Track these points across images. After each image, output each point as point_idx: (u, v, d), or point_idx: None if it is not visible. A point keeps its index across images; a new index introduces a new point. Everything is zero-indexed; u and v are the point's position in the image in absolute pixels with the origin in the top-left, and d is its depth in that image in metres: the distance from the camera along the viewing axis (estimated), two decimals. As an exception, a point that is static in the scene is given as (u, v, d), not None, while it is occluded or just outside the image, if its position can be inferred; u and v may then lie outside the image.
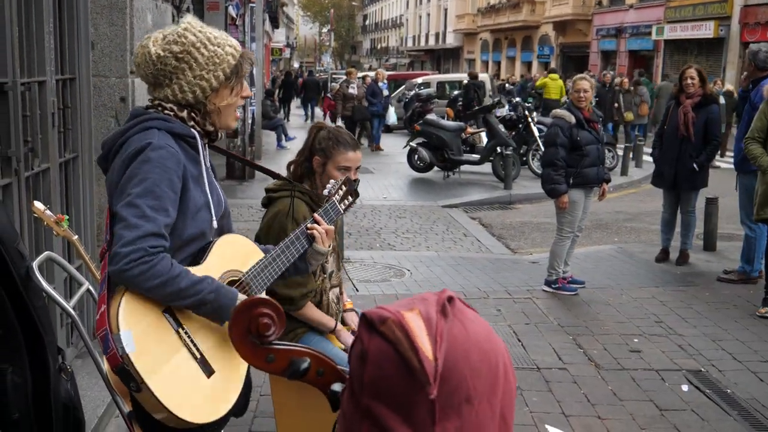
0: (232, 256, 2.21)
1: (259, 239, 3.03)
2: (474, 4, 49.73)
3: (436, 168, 13.43)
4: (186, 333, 2.01)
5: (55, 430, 2.85)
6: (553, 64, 38.12)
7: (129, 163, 2.05)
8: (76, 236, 2.95)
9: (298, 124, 25.35)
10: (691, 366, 4.87)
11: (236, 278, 2.22)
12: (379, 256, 7.67)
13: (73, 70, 4.11)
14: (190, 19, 2.24)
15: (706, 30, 26.50)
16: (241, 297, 2.11)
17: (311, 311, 3.18)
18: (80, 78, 4.15)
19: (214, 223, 2.21)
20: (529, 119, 13.62)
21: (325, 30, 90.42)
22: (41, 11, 3.56)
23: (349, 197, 2.71)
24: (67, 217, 2.82)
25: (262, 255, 2.32)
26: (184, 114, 2.17)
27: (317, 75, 39.77)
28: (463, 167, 13.53)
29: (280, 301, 3.03)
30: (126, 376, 1.90)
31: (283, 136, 17.56)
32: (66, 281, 4.12)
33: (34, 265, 2.77)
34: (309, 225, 2.48)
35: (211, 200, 2.20)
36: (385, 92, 18.25)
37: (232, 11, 11.00)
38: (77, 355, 4.28)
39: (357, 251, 7.98)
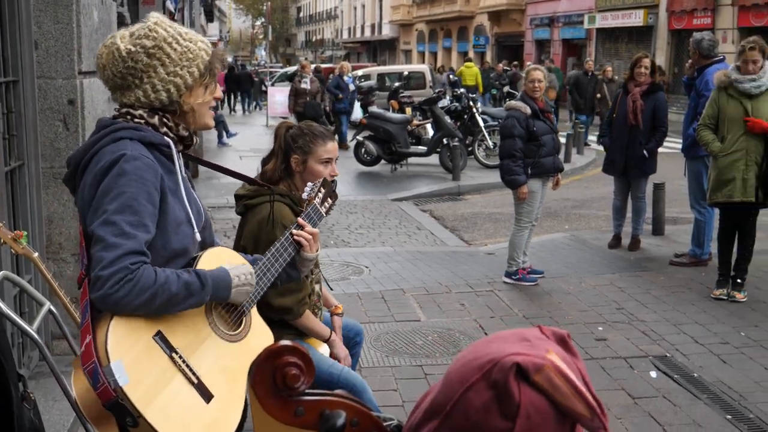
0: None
1: (245, 250, 2.89)
2: (409, -5, 49.81)
3: (383, 161, 13.35)
4: (180, 357, 1.87)
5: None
6: (488, 54, 38.46)
7: (102, 177, 1.90)
8: (36, 254, 2.77)
9: (235, 119, 24.94)
10: (657, 352, 4.91)
11: None
12: (335, 254, 7.55)
13: (15, 72, 3.88)
14: (158, 15, 2.10)
15: (636, 18, 27.10)
16: (232, 273, 2.01)
17: (309, 320, 3.08)
18: (24, 80, 3.92)
19: (197, 237, 2.07)
20: (474, 109, 13.65)
21: (258, 23, 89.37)
22: (-17, 10, 3.34)
23: (329, 199, 2.60)
24: (26, 233, 2.63)
25: (249, 267, 2.19)
26: (156, 120, 2.03)
27: (254, 69, 39.30)
28: (411, 159, 13.49)
29: (277, 311, 2.93)
30: (120, 411, 1.75)
31: (224, 133, 17.22)
32: (16, 298, 3.90)
33: (-7, 283, 2.59)
34: (294, 231, 2.37)
35: (191, 212, 2.06)
36: (351, 87, 17.11)
37: (170, 5, 10.69)
38: (29, 376, 4.05)
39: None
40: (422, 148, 13.21)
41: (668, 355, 4.86)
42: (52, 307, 2.91)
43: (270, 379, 1.26)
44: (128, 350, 1.79)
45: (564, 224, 9.37)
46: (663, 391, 4.34)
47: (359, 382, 2.98)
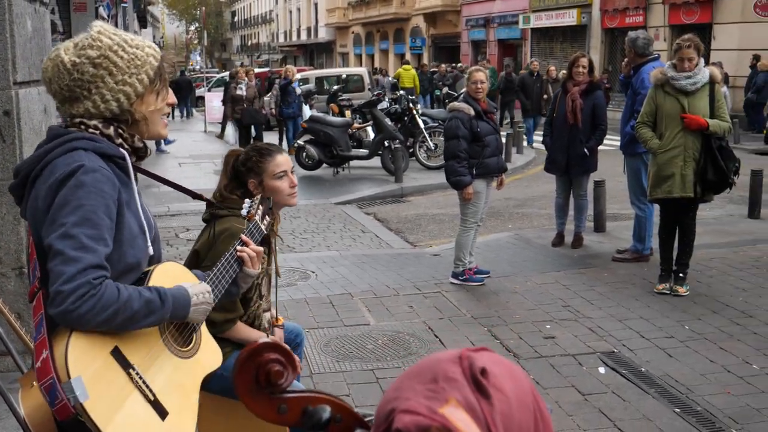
0: (173, 285, 2.03)
1: (198, 254, 2.87)
2: (344, -2, 49.81)
3: (324, 165, 13.30)
4: (137, 373, 1.81)
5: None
6: (425, 56, 38.73)
7: (58, 188, 1.83)
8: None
9: (173, 125, 24.56)
10: (604, 348, 5.00)
11: None
12: (281, 260, 7.41)
13: (-54, 83, 3.73)
14: (101, 24, 2.04)
15: (570, 18, 27.64)
16: (190, 291, 1.97)
17: (239, 331, 3.02)
18: (-45, 91, 3.77)
19: (150, 250, 2.02)
20: (414, 111, 13.71)
21: (192, 28, 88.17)
22: None
23: (267, 216, 2.57)
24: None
25: (197, 281, 2.15)
26: (111, 131, 1.97)
27: (189, 74, 38.73)
28: (353, 163, 13.47)
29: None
30: (80, 428, 1.69)
31: (162, 140, 16.91)
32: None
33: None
34: (238, 248, 2.32)
35: (146, 225, 2.01)
36: (298, 91, 16.74)
37: (102, 12, 10.45)
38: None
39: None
40: (364, 151, 13.21)
41: (615, 350, 4.95)
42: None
43: (252, 377, 1.23)
44: (87, 366, 1.73)
45: (507, 223, 9.49)
46: (612, 387, 4.41)
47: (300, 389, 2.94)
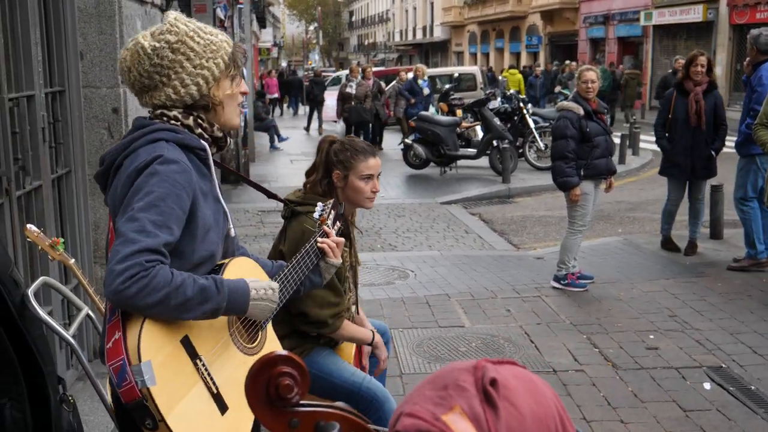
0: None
1: (282, 253, 2.89)
2: (461, -3, 49.60)
3: (432, 164, 13.27)
4: (203, 364, 1.84)
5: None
6: (541, 54, 38.03)
7: (135, 177, 1.87)
8: (73, 260, 2.79)
9: (286, 122, 25.16)
10: (711, 362, 4.74)
11: None
12: (381, 258, 7.52)
13: (62, 82, 3.94)
14: (176, 13, 2.08)
15: (695, 14, 26.39)
16: (252, 285, 1.96)
17: (349, 330, 3.05)
18: (70, 90, 3.98)
19: (221, 244, 2.05)
20: (524, 111, 13.48)
21: (311, 28, 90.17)
22: (27, 22, 3.39)
23: (338, 222, 2.56)
24: (63, 240, 2.66)
25: (267, 278, 2.17)
26: (190, 121, 2.01)
27: (306, 73, 39.61)
28: (460, 162, 13.38)
29: (312, 323, 2.90)
30: (142, 412, 1.72)
31: (276, 137, 17.36)
32: (63, 302, 3.96)
33: (30, 291, 2.62)
34: (319, 240, 2.33)
35: (221, 218, 2.04)
36: (426, 90, 16.08)
37: (220, 13, 10.81)
38: (78, 377, 4.11)
39: (359, 254, 7.80)
40: (472, 151, 13.09)
41: (724, 365, 4.68)
42: (90, 312, 2.94)
43: (263, 389, 1.22)
44: (158, 351, 1.76)
45: (617, 228, 9.16)
46: (717, 404, 4.17)
47: (381, 391, 2.93)
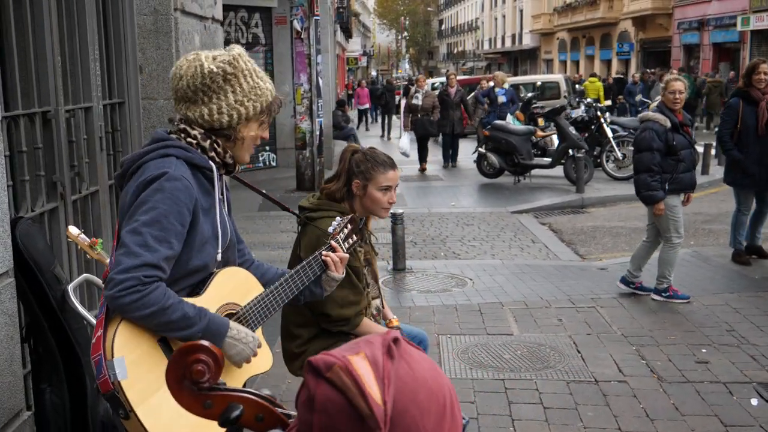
0: (231, 290, 2.21)
1: (300, 259, 3.03)
2: (550, 4, 48.99)
3: (506, 173, 13.24)
4: None
5: (94, 449, 2.90)
6: (633, 61, 37.18)
7: (143, 189, 2.05)
8: (109, 259, 3.02)
9: (371, 131, 25.50)
10: (763, 378, 4.62)
11: (233, 311, 2.22)
12: (442, 266, 7.60)
13: (122, 94, 4.23)
14: (240, 49, 2.26)
15: (796, 18, 25.32)
16: (231, 332, 2.10)
17: (368, 327, 3.18)
18: (129, 101, 4.27)
19: (218, 256, 2.21)
20: (602, 120, 13.29)
21: (400, 37, 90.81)
22: (85, 41, 3.67)
23: (354, 236, 2.67)
24: (101, 240, 2.89)
25: (261, 290, 2.31)
26: (207, 144, 2.18)
27: (395, 82, 39.93)
28: (535, 171, 13.30)
29: (335, 322, 3.05)
30: (115, 402, 1.91)
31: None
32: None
33: (71, 287, 2.84)
34: (324, 253, 2.46)
35: (220, 232, 2.20)
36: (502, 99, 15.06)
37: (296, 25, 11.14)
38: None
39: (420, 261, 7.93)
40: (546, 160, 13.00)
41: (775, 381, 4.56)
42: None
43: (181, 373, 1.37)
44: (132, 349, 1.95)
45: (690, 240, 8.92)
46: (761, 420, 4.08)
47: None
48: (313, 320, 3.16)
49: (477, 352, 5.11)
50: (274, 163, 14.47)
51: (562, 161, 12.67)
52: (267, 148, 14.23)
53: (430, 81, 25.79)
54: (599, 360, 4.94)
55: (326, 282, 2.50)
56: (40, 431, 2.82)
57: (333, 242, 2.50)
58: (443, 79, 20.03)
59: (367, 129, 27.83)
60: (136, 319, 1.97)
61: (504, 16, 60.01)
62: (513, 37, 56.82)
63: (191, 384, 1.37)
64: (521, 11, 54.87)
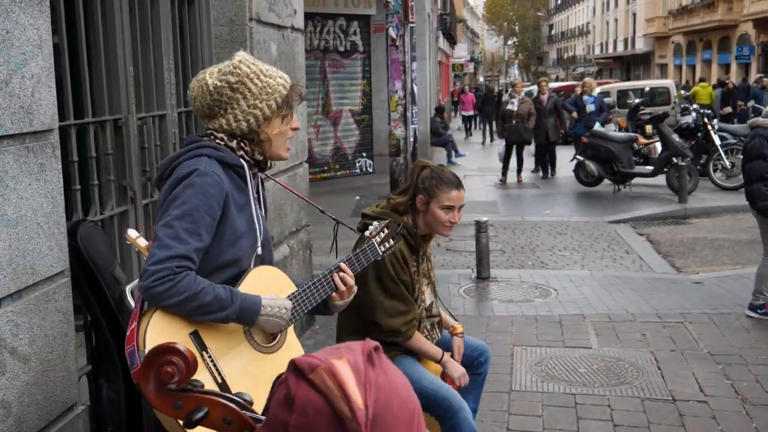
0: (264, 287, 2.24)
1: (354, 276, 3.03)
2: (665, 7, 47.28)
3: (606, 181, 12.86)
4: (209, 356, 2.06)
5: (147, 445, 3.00)
6: (753, 65, 35.37)
7: (175, 186, 2.14)
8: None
9: (473, 139, 25.36)
10: None
11: None
12: (527, 275, 7.47)
13: (199, 102, 4.37)
14: (243, 54, 2.32)
15: None
16: (265, 303, 2.14)
17: (419, 342, 3.17)
18: (206, 109, 4.41)
19: (259, 250, 2.26)
20: (709, 127, 12.71)
21: (510, 42, 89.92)
22: (160, 51, 3.82)
23: (391, 240, 2.66)
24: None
25: (294, 289, 2.33)
26: (234, 144, 2.25)
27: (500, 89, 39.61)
28: (636, 180, 12.85)
29: (386, 333, 3.05)
30: None
31: (453, 152, 17.59)
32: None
33: (128, 287, 2.96)
34: (335, 277, 2.42)
35: (258, 229, 2.25)
36: (590, 107, 14.23)
37: (392, 32, 11.23)
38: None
39: (506, 270, 7.81)
40: (648, 168, 12.53)
41: None
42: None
43: (152, 373, 1.40)
44: (164, 341, 2.00)
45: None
46: None
47: (456, 400, 3.00)
48: (363, 328, 3.17)
49: (551, 365, 4.98)
50: (370, 170, 14.62)
51: (665, 170, 12.18)
52: (364, 154, 14.41)
53: (526, 88, 25.44)
54: (680, 378, 4.71)
55: (332, 305, 2.47)
56: (97, 425, 2.95)
57: (343, 264, 2.45)
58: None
59: (469, 135, 27.45)
60: (171, 307, 2.04)
61: (616, 20, 58.40)
62: (625, 41, 55.20)
63: (160, 384, 1.41)
64: (634, 15, 53.25)
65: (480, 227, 7.24)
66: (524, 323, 5.87)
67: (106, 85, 3.39)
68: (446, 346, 3.36)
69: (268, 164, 2.38)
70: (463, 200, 3.18)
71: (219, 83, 2.23)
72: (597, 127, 13.77)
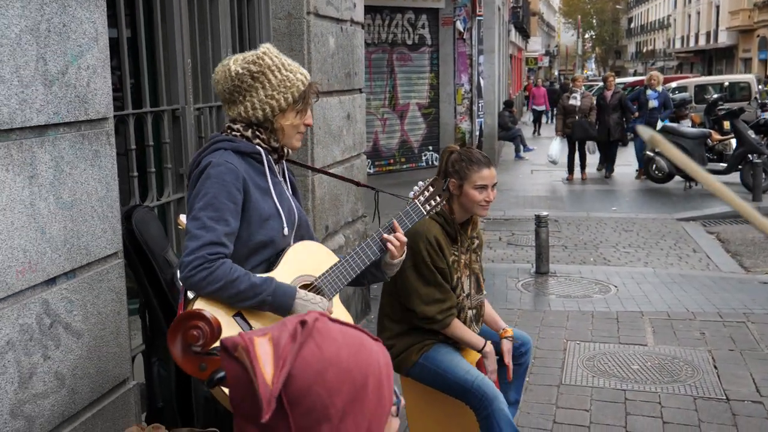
0: (304, 262, 2.35)
1: None
2: (750, -2, 45.63)
3: (677, 178, 12.56)
4: None
5: (196, 420, 3.14)
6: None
7: (196, 181, 2.28)
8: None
9: (543, 135, 25.03)
10: None
11: (308, 282, 2.35)
12: (588, 271, 7.38)
13: (257, 93, 4.50)
14: (268, 46, 2.43)
15: None
16: (300, 294, 2.23)
17: (459, 329, 3.19)
18: (264, 100, 4.53)
19: (285, 231, 2.35)
20: (788, 123, 12.27)
21: (587, 36, 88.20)
22: (218, 44, 3.96)
23: (437, 197, 2.72)
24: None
25: (335, 260, 2.42)
26: (249, 133, 2.37)
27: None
28: (709, 177, 12.48)
29: (420, 319, 3.11)
30: None
31: (522, 147, 17.44)
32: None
33: (179, 271, 3.10)
34: (384, 235, 2.53)
35: (281, 210, 2.34)
36: (653, 103, 13.37)
37: (459, 26, 11.22)
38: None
39: (566, 265, 7.74)
40: (721, 165, 12.18)
41: None
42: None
43: (179, 337, 1.50)
44: None
45: None
46: None
47: (491, 390, 3.03)
48: (404, 316, 3.22)
49: (603, 361, 4.94)
50: (436, 163, 14.63)
51: (739, 167, 11.82)
52: (430, 147, 14.43)
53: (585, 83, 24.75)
54: (736, 378, 4.61)
55: (386, 266, 2.57)
56: (149, 401, 3.10)
57: (395, 221, 2.56)
58: (619, 80, 19.09)
59: (538, 133, 26.21)
60: (210, 295, 2.15)
61: (698, 13, 56.62)
62: (707, 34, 53.45)
63: (186, 347, 1.50)
64: (717, 7, 51.51)
65: (540, 222, 7.19)
66: (580, 318, 5.82)
67: (165, 76, 3.53)
68: (486, 338, 3.38)
69: (285, 152, 2.47)
70: (495, 178, 3.20)
71: (241, 70, 2.33)
72: (660, 123, 13.29)
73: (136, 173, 3.30)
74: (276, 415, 1.09)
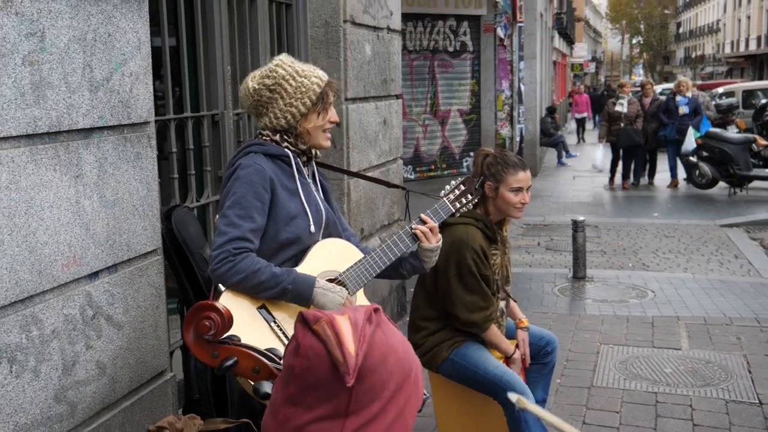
0: (330, 258, 2.48)
1: (437, 269, 3.12)
2: (803, 2, 44.60)
3: (721, 184, 12.40)
4: (278, 325, 2.31)
5: (230, 413, 3.29)
6: None
7: (226, 183, 2.46)
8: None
9: (587, 143, 24.83)
10: None
11: (332, 278, 2.47)
12: (625, 276, 7.37)
13: (294, 99, 4.64)
14: (282, 57, 2.59)
15: None
16: (319, 283, 2.36)
17: (494, 335, 3.28)
18: (301, 106, 4.67)
19: (312, 229, 2.47)
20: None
21: (635, 41, 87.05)
22: (257, 51, 4.11)
23: (469, 195, 2.82)
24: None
25: (360, 256, 2.54)
26: (277, 138, 2.52)
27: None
28: (754, 183, 12.32)
29: (463, 324, 3.20)
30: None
31: (564, 153, 17.36)
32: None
33: (214, 268, 3.23)
34: (414, 225, 2.64)
35: (308, 209, 2.47)
36: (683, 109, 12.92)
37: (500, 32, 11.27)
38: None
39: (604, 270, 7.73)
40: (767, 171, 11.99)
41: None
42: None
43: (193, 326, 1.62)
44: (236, 315, 2.24)
45: None
46: None
47: (519, 385, 3.11)
48: (443, 316, 3.31)
49: (636, 364, 4.96)
50: (478, 169, 14.64)
51: (786, 173, 11.64)
52: (471, 153, 14.46)
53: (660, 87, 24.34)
54: (771, 383, 4.60)
55: (422, 253, 2.69)
56: (186, 392, 3.24)
57: (423, 215, 2.67)
58: (669, 85, 18.72)
59: (582, 140, 25.42)
60: (234, 286, 2.31)
61: (748, 17, 55.52)
62: (758, 39, 52.36)
63: (198, 335, 1.63)
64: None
65: (577, 227, 7.21)
66: (615, 323, 5.83)
67: (205, 83, 3.69)
68: (510, 335, 3.47)
69: (315, 154, 2.61)
70: (529, 181, 3.27)
71: (258, 86, 2.52)
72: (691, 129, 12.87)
73: (176, 175, 3.45)
74: (341, 385, 1.21)
